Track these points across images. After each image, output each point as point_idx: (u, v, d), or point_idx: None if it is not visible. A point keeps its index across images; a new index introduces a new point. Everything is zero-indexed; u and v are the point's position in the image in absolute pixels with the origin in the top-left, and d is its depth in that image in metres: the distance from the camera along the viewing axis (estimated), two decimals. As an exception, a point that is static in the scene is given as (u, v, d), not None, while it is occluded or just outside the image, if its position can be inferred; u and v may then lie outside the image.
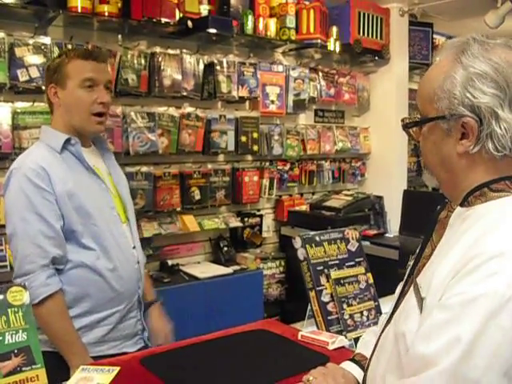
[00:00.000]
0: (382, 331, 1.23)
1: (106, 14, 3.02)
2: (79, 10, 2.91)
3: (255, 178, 3.93)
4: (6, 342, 1.29)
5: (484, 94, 1.04)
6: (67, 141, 1.91)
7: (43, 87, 2.89)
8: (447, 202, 1.23)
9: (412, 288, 1.12)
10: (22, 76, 2.85)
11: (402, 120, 1.22)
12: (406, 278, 1.24)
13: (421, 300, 1.06)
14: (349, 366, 1.36)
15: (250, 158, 4.03)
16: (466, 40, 1.10)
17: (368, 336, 1.43)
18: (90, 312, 1.89)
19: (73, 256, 1.87)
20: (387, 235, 3.80)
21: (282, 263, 4.04)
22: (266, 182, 4.03)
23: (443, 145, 1.11)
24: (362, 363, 1.34)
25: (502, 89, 1.03)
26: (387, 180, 4.52)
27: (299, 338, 1.75)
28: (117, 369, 1.50)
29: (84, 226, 1.88)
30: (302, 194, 4.42)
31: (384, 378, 1.14)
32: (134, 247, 2.04)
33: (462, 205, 1.13)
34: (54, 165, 1.87)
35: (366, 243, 3.56)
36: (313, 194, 4.50)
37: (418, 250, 1.25)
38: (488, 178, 1.10)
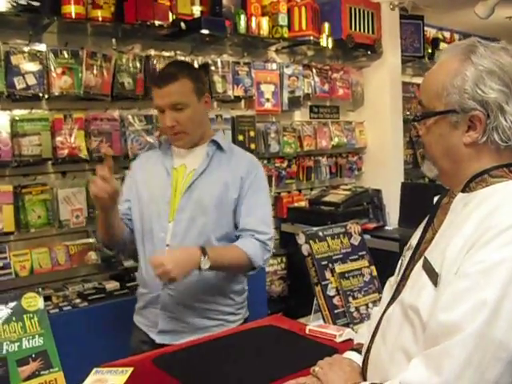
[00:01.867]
0: (383, 314, 1.28)
1: (100, 18, 3.02)
2: (73, 16, 2.92)
3: (253, 176, 3.94)
4: (24, 347, 1.32)
5: (492, 90, 1.14)
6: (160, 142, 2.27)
7: (40, 94, 2.92)
8: (448, 189, 1.29)
9: (421, 266, 1.19)
10: (19, 84, 2.86)
11: (410, 114, 1.30)
12: (406, 264, 1.29)
13: (435, 275, 1.12)
14: (352, 356, 1.42)
15: (247, 156, 4.04)
16: (472, 42, 1.21)
17: (364, 327, 1.50)
18: (139, 285, 2.26)
19: None
20: (387, 228, 3.83)
21: (284, 260, 4.06)
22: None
23: (450, 136, 1.20)
24: (360, 350, 1.40)
25: (507, 85, 1.14)
26: (384, 173, 4.54)
27: (307, 332, 1.78)
28: (130, 369, 1.52)
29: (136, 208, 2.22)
30: (300, 191, 4.44)
31: (393, 355, 1.19)
32: (167, 245, 2.10)
33: (463, 191, 1.21)
34: (143, 159, 2.34)
35: (367, 236, 3.56)
36: (311, 189, 4.52)
37: (418, 236, 1.31)
38: (491, 165, 1.18)
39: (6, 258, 2.86)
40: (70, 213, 3.06)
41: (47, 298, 2.91)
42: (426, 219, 1.35)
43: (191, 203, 2.11)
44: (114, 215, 2.09)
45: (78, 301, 2.92)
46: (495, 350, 0.99)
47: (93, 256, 3.12)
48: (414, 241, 1.35)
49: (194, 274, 2.02)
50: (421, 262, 1.20)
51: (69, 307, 2.84)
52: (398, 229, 3.68)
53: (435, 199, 1.36)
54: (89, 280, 3.17)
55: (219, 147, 2.21)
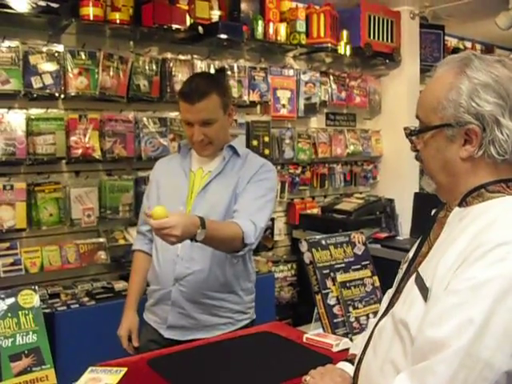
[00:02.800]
0: (375, 326, 1.27)
1: (118, 21, 3.07)
2: (91, 18, 2.97)
3: (267, 182, 3.95)
4: (17, 343, 1.34)
5: (488, 103, 1.13)
6: (179, 145, 2.38)
7: (56, 94, 2.97)
8: (445, 202, 1.28)
9: (413, 281, 1.17)
10: (36, 83, 2.91)
11: (406, 128, 1.29)
12: (401, 276, 1.28)
13: (426, 290, 1.11)
14: (344, 366, 1.41)
15: (261, 161, 4.05)
16: (467, 55, 1.20)
17: (359, 338, 1.49)
18: (150, 282, 2.31)
19: None
20: (398, 238, 3.80)
21: (294, 266, 4.06)
22: (277, 185, 4.05)
23: (446, 150, 1.19)
24: (353, 360, 1.39)
25: (503, 98, 1.13)
26: (399, 183, 4.52)
27: (304, 340, 1.78)
28: (124, 369, 1.54)
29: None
30: (313, 197, 4.44)
31: (382, 368, 1.19)
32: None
33: (460, 205, 1.20)
34: (164, 162, 2.41)
35: (377, 246, 3.57)
36: (325, 197, 4.51)
37: (414, 249, 1.30)
38: (487, 180, 1.17)
39: (17, 254, 2.91)
40: (82, 212, 3.10)
41: (56, 296, 2.96)
42: (423, 232, 1.34)
43: (205, 204, 2.17)
44: None
45: (85, 299, 2.95)
46: (481, 369, 0.98)
47: (102, 255, 3.15)
48: (411, 254, 1.34)
49: (205, 270, 2.10)
50: (414, 277, 1.20)
51: (76, 305, 2.87)
52: (410, 239, 3.65)
53: (432, 212, 1.35)
54: (98, 279, 3.20)
55: (235, 152, 2.27)
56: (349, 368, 1.41)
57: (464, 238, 1.10)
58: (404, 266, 1.33)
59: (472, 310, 1.00)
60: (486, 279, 1.01)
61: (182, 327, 2.15)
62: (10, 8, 2.69)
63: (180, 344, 1.97)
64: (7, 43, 2.84)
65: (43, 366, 1.34)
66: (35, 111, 2.98)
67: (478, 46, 5.64)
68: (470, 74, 1.15)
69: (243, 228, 2.06)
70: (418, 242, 1.34)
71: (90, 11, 2.96)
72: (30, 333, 1.35)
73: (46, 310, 2.75)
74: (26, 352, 1.33)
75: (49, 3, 2.79)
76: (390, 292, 1.39)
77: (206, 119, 2.13)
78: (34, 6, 2.76)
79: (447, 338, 1.00)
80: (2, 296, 1.37)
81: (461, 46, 5.33)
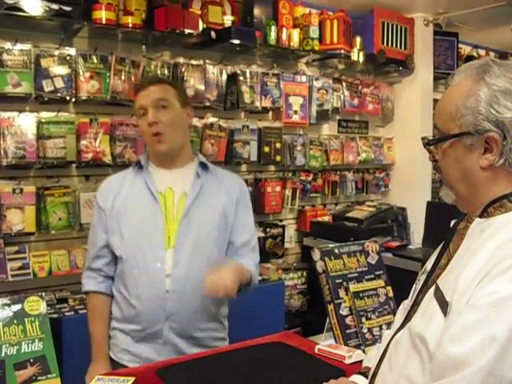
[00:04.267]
0: (391, 339, 1.23)
1: (130, 25, 3.06)
2: (103, 22, 2.96)
3: (278, 189, 3.92)
4: (23, 351, 1.31)
5: (508, 110, 1.10)
6: (137, 163, 2.13)
7: (67, 97, 2.95)
8: (466, 213, 1.24)
9: (432, 294, 1.14)
10: (47, 86, 2.89)
11: (423, 138, 1.25)
12: (419, 288, 1.24)
13: (445, 304, 1.08)
14: (358, 379, 1.38)
15: (272, 168, 4.03)
16: (485, 62, 1.17)
17: (374, 350, 1.45)
18: (116, 319, 2.07)
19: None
20: (410, 247, 3.75)
21: (304, 274, 4.01)
22: (288, 192, 4.02)
23: (466, 160, 1.15)
24: (367, 374, 1.35)
25: None
26: (411, 191, 4.47)
27: (316, 351, 1.74)
28: (132, 379, 1.50)
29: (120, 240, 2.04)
30: (324, 205, 4.40)
31: (399, 383, 1.14)
32: (167, 275, 1.97)
33: (481, 216, 1.16)
34: (115, 182, 2.14)
35: (389, 255, 3.52)
36: (336, 204, 4.47)
37: (433, 260, 1.26)
38: (509, 190, 1.13)
39: (25, 258, 2.89)
40: (91, 216, 3.07)
41: (64, 301, 2.93)
42: (442, 243, 1.30)
43: (193, 229, 2.01)
44: None
45: (93, 305, 2.92)
46: None
47: (111, 261, 3.12)
48: (429, 265, 1.30)
49: (196, 303, 1.97)
50: (433, 289, 1.15)
51: (84, 311, 2.83)
52: (422, 248, 3.60)
53: (452, 223, 1.31)
54: (106, 284, 3.17)
55: (205, 168, 2.14)
56: (362, 381, 1.37)
57: (486, 251, 1.06)
58: (422, 278, 1.29)
59: (495, 326, 0.96)
60: (508, 294, 0.97)
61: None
62: (23, 11, 2.67)
63: None
64: (19, 46, 2.82)
65: (49, 375, 1.31)
66: (46, 115, 2.96)
67: (492, 54, 5.57)
68: (489, 81, 1.12)
69: (252, 274, 2.05)
70: (436, 252, 1.30)
71: (102, 15, 2.95)
72: (36, 340, 1.32)
73: (54, 315, 2.73)
74: (32, 360, 1.30)
75: (61, 6, 2.77)
76: (406, 303, 1.35)
77: (159, 98, 2.02)
78: (47, 9, 2.74)
79: (468, 356, 0.96)
80: (8, 302, 1.34)
81: (474, 54, 5.28)
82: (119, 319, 2.06)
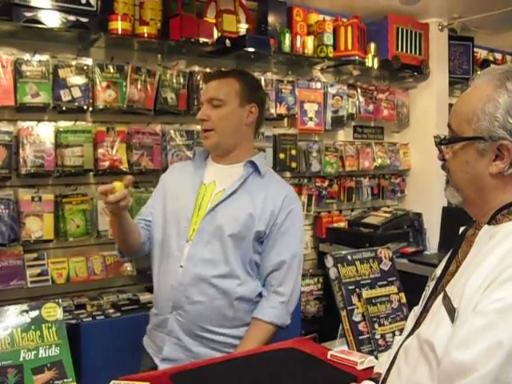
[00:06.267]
0: (401, 345, 1.24)
1: (146, 35, 3.10)
2: (119, 32, 3.01)
3: (293, 195, 3.93)
4: (40, 356, 1.34)
5: None
6: (194, 152, 2.22)
7: (85, 107, 3.00)
8: (475, 220, 1.24)
9: (441, 300, 1.14)
10: (65, 96, 2.95)
11: (436, 136, 1.24)
12: (428, 294, 1.25)
13: (453, 311, 1.08)
14: None
15: (288, 174, 4.04)
16: (509, 68, 1.16)
17: (385, 356, 1.46)
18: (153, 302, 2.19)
19: None
20: (426, 253, 3.73)
21: (320, 280, 4.02)
22: (304, 198, 4.03)
23: (476, 164, 1.15)
24: (378, 380, 1.36)
25: None
26: (427, 196, 4.45)
27: (328, 357, 1.75)
28: (146, 384, 1.53)
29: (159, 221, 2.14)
30: (340, 211, 4.40)
31: None
32: (181, 266, 1.99)
33: (489, 223, 1.16)
34: (177, 167, 2.29)
35: (404, 261, 3.52)
36: (352, 210, 4.47)
37: (442, 267, 1.27)
38: None
39: (44, 264, 2.94)
40: (108, 224, 3.12)
41: (81, 307, 2.98)
42: (451, 250, 1.30)
43: (211, 226, 2.00)
44: (127, 218, 2.00)
45: (111, 311, 2.97)
46: None
47: (128, 267, 3.16)
48: (438, 271, 1.30)
49: (206, 302, 1.96)
50: (441, 296, 1.16)
51: (102, 317, 2.88)
52: (438, 254, 3.58)
53: (461, 230, 1.31)
54: (124, 291, 3.22)
55: (256, 169, 2.07)
56: None
57: (493, 258, 1.06)
58: (431, 284, 1.30)
59: (501, 332, 0.97)
60: None
61: (177, 360, 1.97)
62: (42, 23, 2.73)
63: None
64: (38, 57, 2.89)
65: (65, 380, 1.34)
66: (64, 124, 3.02)
67: (509, 58, 5.55)
68: (510, 89, 1.11)
69: (272, 320, 2.00)
70: (445, 259, 1.30)
71: (118, 25, 3.00)
72: (53, 346, 1.36)
73: (72, 321, 2.78)
74: (49, 365, 1.34)
75: (78, 18, 2.83)
76: (417, 310, 1.36)
77: (212, 97, 2.03)
78: (64, 21, 2.80)
79: (475, 362, 0.97)
80: (26, 309, 1.38)
81: (491, 58, 5.25)
82: (153, 302, 2.19)
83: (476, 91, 1.17)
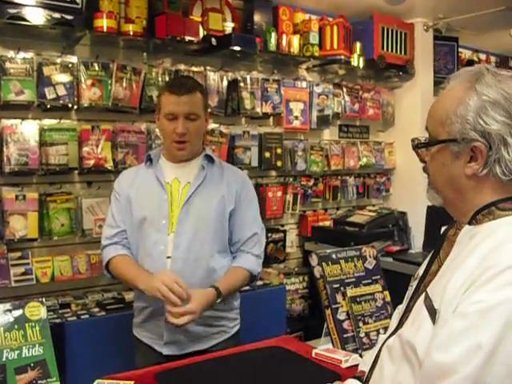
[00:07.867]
0: (382, 345, 1.25)
1: (131, 33, 3.09)
2: (105, 30, 2.99)
3: (279, 194, 3.94)
4: (23, 356, 1.34)
5: (495, 122, 1.09)
6: (148, 158, 2.33)
7: (69, 105, 2.98)
8: (456, 220, 1.25)
9: (422, 301, 1.15)
10: (50, 94, 2.93)
11: (413, 140, 1.26)
12: (411, 295, 1.26)
13: (434, 312, 1.09)
14: (352, 383, 1.38)
15: (273, 173, 4.05)
16: (479, 69, 1.16)
17: (369, 354, 1.46)
18: (137, 298, 2.31)
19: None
20: (410, 251, 3.76)
21: (306, 278, 4.03)
22: (289, 197, 4.04)
23: (452, 166, 1.17)
24: (362, 378, 1.37)
25: None
26: (412, 195, 4.47)
27: (313, 355, 1.76)
28: (131, 383, 1.52)
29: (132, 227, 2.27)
30: (326, 210, 4.41)
31: None
32: (168, 257, 2.16)
33: (470, 223, 1.17)
34: (130, 174, 2.37)
35: (389, 259, 3.54)
36: (337, 209, 4.48)
37: (424, 267, 1.27)
38: (496, 197, 1.15)
39: (28, 263, 2.92)
40: (93, 222, 3.10)
41: (66, 306, 2.95)
42: (433, 250, 1.31)
43: (192, 216, 2.19)
44: None
45: (96, 310, 2.95)
46: None
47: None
48: (421, 271, 1.31)
49: (196, 286, 2.09)
50: (423, 296, 1.17)
51: (87, 316, 2.87)
52: (422, 253, 3.61)
53: (442, 229, 1.32)
54: (108, 290, 3.20)
55: (211, 161, 2.31)
56: None
57: (473, 259, 1.07)
58: (414, 284, 1.31)
59: (480, 334, 0.97)
60: (494, 303, 0.98)
61: (177, 341, 2.15)
62: (26, 20, 2.71)
63: (178, 359, 1.94)
64: (22, 55, 2.86)
65: (49, 379, 1.33)
66: (48, 122, 3.00)
67: (493, 58, 5.60)
68: (480, 90, 1.12)
69: (249, 268, 2.23)
70: (428, 259, 1.31)
71: (103, 23, 2.98)
72: (37, 345, 1.35)
73: (57, 320, 2.75)
74: (32, 365, 1.33)
75: (63, 15, 2.81)
76: (401, 309, 1.37)
77: (191, 112, 2.18)
78: (49, 18, 2.78)
79: (455, 364, 0.98)
80: (10, 308, 1.37)
81: (475, 58, 5.30)
82: (137, 297, 2.31)
83: (449, 93, 1.18)
